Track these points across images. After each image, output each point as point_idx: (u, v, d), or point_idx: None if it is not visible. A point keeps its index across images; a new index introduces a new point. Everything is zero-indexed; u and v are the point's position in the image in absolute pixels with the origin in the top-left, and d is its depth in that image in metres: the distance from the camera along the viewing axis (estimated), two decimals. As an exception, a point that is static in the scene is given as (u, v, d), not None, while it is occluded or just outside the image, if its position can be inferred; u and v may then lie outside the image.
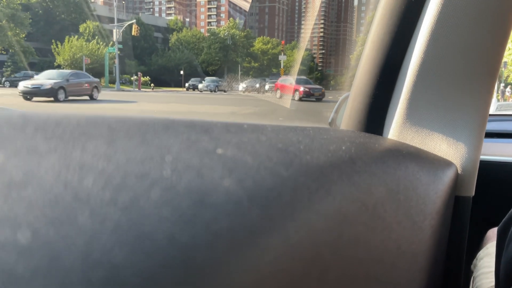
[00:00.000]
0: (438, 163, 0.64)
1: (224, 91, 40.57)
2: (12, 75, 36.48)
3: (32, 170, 0.18)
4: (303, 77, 31.70)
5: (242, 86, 41.69)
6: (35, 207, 0.16)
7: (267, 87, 40.71)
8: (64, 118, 0.25)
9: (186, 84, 43.04)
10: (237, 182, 0.22)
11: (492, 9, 0.66)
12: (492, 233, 0.87)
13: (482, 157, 1.02)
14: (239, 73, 62.74)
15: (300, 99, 23.62)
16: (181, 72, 52.41)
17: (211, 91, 38.67)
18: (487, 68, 0.70)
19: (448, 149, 0.71)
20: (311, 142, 0.38)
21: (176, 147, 0.25)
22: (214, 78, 44.50)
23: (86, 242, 0.15)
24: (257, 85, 37.01)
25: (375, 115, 0.77)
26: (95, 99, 19.69)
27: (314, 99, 23.59)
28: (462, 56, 0.69)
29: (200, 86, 40.35)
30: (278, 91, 25.93)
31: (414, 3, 0.71)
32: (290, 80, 26.27)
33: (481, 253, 0.82)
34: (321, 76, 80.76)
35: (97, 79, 21.98)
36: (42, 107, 15.15)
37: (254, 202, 0.21)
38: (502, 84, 24.44)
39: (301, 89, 23.96)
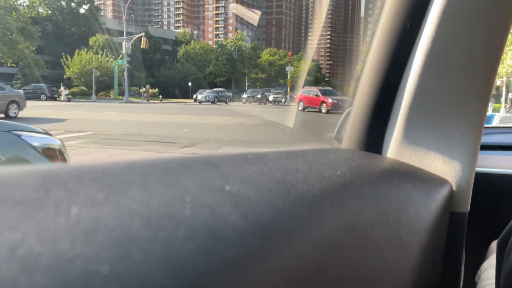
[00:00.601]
0: (433, 182, 0.67)
1: (225, 102, 40.45)
2: (22, 88, 36.89)
3: (98, 218, 0.22)
4: (328, 87, 30.02)
5: (243, 97, 41.29)
6: (105, 247, 0.20)
7: (271, 98, 39.67)
8: (107, 169, 0.29)
9: (194, 96, 43.28)
10: (241, 216, 0.26)
11: (484, 34, 0.69)
12: (495, 245, 0.86)
13: (488, 169, 1.04)
14: (246, 84, 63.01)
15: (328, 112, 22.17)
16: (189, 84, 52.80)
17: (211, 102, 38.69)
18: (480, 89, 0.73)
19: (443, 167, 0.74)
20: (308, 170, 0.41)
21: (193, 187, 0.28)
22: (215, 89, 44.57)
23: (141, 271, 0.20)
24: (259, 96, 36.02)
25: (374, 134, 0.80)
26: (13, 117, 14.91)
27: (341, 111, 22.39)
28: (457, 77, 0.72)
29: (199, 97, 40.62)
30: (301, 104, 24.60)
31: (409, 29, 0.74)
32: (315, 91, 24.79)
33: (485, 265, 0.83)
34: (328, 86, 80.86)
35: (18, 91, 17.14)
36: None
37: (255, 233, 0.26)
38: (510, 94, 24.30)
39: (329, 100, 22.78)
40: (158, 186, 0.28)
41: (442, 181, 0.70)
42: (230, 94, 44.74)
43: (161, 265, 0.21)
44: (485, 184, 0.91)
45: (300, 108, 24.63)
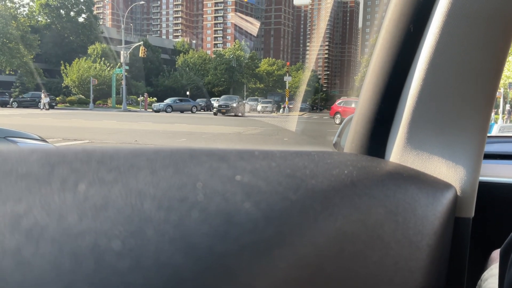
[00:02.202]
0: (437, 186, 0.67)
1: (191, 111, 38.01)
2: (20, 96, 36.82)
3: (107, 196, 0.23)
4: None
5: (214, 106, 34.36)
6: (116, 224, 0.21)
7: (259, 107, 37.73)
8: (114, 152, 0.30)
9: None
10: (254, 205, 0.27)
11: (488, 38, 0.69)
12: (496, 254, 0.87)
13: (488, 178, 1.04)
14: (245, 93, 63.16)
15: None
16: (187, 93, 52.86)
17: (165, 112, 35.73)
18: (484, 94, 0.72)
19: (448, 171, 0.74)
20: (315, 167, 0.41)
21: (202, 174, 0.29)
22: (204, 99, 43.92)
23: (154, 249, 0.20)
24: (234, 104, 30.17)
25: (378, 138, 0.79)
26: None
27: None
28: (460, 82, 0.72)
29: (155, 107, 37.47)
30: (338, 116, 22.76)
31: (413, 32, 0.74)
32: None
33: (485, 274, 0.83)
34: (326, 97, 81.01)
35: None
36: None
37: (269, 222, 0.27)
38: (508, 105, 24.40)
39: None
40: (166, 171, 0.28)
41: (446, 186, 0.70)
42: (201, 103, 41.95)
43: (175, 245, 0.21)
44: (485, 193, 0.90)
45: (338, 121, 22.69)
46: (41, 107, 31.25)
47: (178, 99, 38.20)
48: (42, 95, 32.10)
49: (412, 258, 0.51)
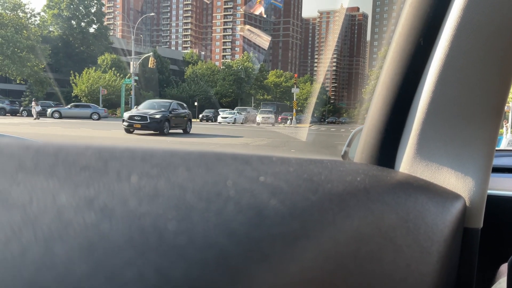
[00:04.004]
0: (446, 196, 0.68)
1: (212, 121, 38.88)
2: (30, 105, 37.17)
3: (156, 187, 0.27)
4: None
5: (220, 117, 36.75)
6: (168, 210, 0.24)
7: (258, 119, 35.66)
8: (153, 151, 0.34)
9: (200, 115, 43.18)
10: (280, 202, 0.30)
11: (497, 51, 0.70)
12: (505, 268, 0.88)
13: (497, 192, 1.04)
14: (253, 104, 63.30)
15: None
16: (195, 104, 53.08)
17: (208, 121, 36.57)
18: (493, 106, 0.73)
19: (457, 182, 0.75)
20: (329, 173, 0.44)
21: (230, 174, 0.33)
22: (212, 110, 43.37)
23: (202, 232, 0.24)
24: (209, 114, 29.82)
25: (387, 149, 0.81)
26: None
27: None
28: (469, 94, 0.73)
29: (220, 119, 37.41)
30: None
31: (423, 45, 0.76)
32: None
33: None
34: (333, 109, 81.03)
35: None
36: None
37: (293, 217, 0.30)
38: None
39: None
40: (199, 169, 0.32)
41: (455, 196, 0.71)
42: (209, 113, 41.49)
43: (218, 230, 0.24)
44: (494, 206, 0.90)
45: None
46: (34, 117, 28.57)
47: (209, 111, 37.75)
48: (33, 104, 29.79)
49: (423, 262, 0.53)
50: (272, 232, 0.27)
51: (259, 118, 36.13)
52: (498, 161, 1.27)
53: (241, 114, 37.79)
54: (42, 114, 30.57)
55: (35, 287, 0.18)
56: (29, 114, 33.38)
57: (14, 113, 35.15)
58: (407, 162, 0.78)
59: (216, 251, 0.23)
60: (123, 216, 0.23)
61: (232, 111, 38.88)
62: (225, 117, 36.10)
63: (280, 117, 39.57)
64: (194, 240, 0.22)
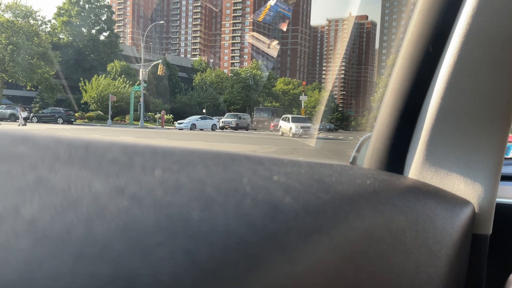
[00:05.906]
0: (455, 202, 0.68)
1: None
2: (40, 111, 37.46)
3: (178, 181, 0.29)
4: None
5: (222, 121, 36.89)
6: (190, 201, 0.27)
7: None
8: (172, 149, 0.36)
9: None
10: (294, 199, 0.32)
11: (506, 58, 0.71)
12: None
13: (507, 200, 1.03)
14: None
15: None
16: (204, 111, 53.24)
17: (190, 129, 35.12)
18: (502, 113, 0.73)
19: (466, 188, 0.75)
20: (340, 176, 0.45)
21: (245, 173, 0.34)
22: (220, 117, 42.30)
23: (223, 221, 0.26)
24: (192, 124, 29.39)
25: (396, 155, 0.81)
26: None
27: None
28: (478, 101, 0.73)
29: (177, 125, 35.69)
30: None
31: (432, 52, 0.76)
32: None
33: None
34: (341, 116, 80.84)
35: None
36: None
37: (307, 213, 0.32)
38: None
39: None
40: (216, 168, 0.34)
41: (464, 202, 0.71)
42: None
43: (238, 221, 0.26)
44: (504, 214, 0.91)
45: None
46: (19, 123, 26.91)
47: (200, 117, 37.11)
48: (19, 109, 28.17)
49: (432, 265, 0.54)
50: (287, 225, 0.29)
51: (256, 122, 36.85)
52: (507, 170, 1.24)
53: (205, 120, 36.17)
54: (29, 119, 30.60)
55: (81, 260, 0.20)
56: (39, 121, 33.66)
57: (25, 119, 35.19)
58: (416, 168, 0.78)
59: (236, 239, 0.25)
60: (151, 204, 0.25)
61: (195, 117, 36.96)
62: (181, 123, 34.83)
63: (272, 124, 37.45)
64: (216, 229, 0.24)
